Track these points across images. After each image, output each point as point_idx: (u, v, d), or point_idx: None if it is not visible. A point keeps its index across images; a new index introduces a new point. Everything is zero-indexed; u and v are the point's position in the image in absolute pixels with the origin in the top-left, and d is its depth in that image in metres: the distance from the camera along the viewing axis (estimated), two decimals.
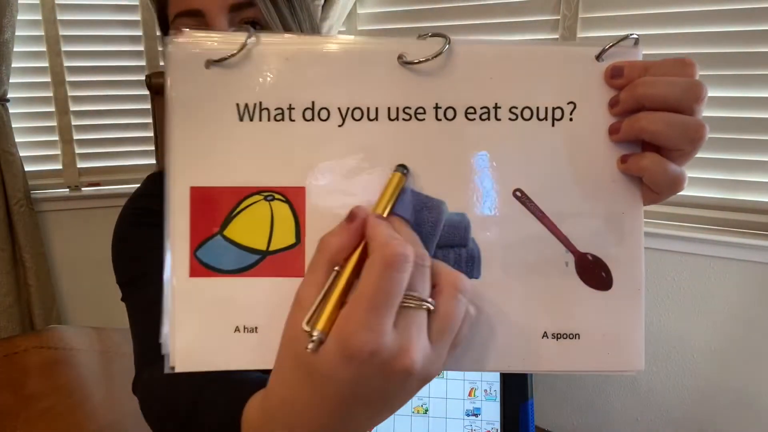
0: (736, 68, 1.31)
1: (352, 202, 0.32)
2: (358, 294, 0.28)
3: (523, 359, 0.32)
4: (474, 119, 0.33)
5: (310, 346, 0.28)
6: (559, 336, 0.33)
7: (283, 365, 0.31)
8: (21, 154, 1.74)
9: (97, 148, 1.89)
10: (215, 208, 0.33)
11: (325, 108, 0.33)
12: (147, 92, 1.28)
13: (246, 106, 0.33)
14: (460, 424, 0.49)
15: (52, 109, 1.82)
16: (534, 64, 0.33)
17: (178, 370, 0.33)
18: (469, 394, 0.50)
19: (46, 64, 1.79)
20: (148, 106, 1.30)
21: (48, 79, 1.80)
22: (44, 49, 1.78)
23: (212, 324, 0.33)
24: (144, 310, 0.61)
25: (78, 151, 1.87)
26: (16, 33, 1.66)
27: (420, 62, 0.33)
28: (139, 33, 1.86)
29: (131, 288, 0.63)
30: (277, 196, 0.33)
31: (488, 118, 0.33)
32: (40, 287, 1.78)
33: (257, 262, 0.33)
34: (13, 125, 1.71)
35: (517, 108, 0.33)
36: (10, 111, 1.71)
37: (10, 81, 1.69)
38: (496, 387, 0.50)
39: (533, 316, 0.33)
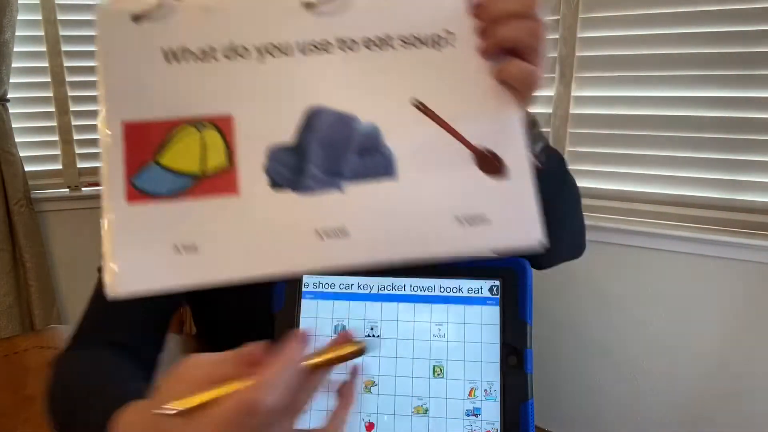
0: (736, 68, 1.31)
1: (277, 127, 0.37)
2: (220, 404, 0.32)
3: (441, 244, 0.37)
4: (373, 48, 0.38)
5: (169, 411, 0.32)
6: (469, 220, 0.37)
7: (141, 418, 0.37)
8: (21, 154, 1.74)
9: (97, 148, 1.88)
10: (148, 139, 0.37)
11: (243, 46, 0.37)
12: None
13: (171, 50, 0.37)
14: (460, 424, 0.49)
15: (52, 109, 1.82)
16: (411, 2, 0.40)
17: (120, 292, 0.35)
18: (469, 394, 0.50)
19: (46, 64, 1.79)
20: None
21: (48, 79, 1.80)
22: (44, 49, 1.78)
23: (152, 246, 0.35)
24: (99, 297, 0.64)
25: (78, 151, 1.87)
26: (16, 33, 1.66)
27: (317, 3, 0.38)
28: None
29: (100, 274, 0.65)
30: (207, 125, 0.37)
31: (384, 47, 0.39)
32: (40, 287, 1.78)
33: (191, 184, 0.36)
34: (13, 125, 1.71)
35: (406, 37, 0.39)
36: (10, 111, 1.71)
37: (10, 81, 1.69)
38: (496, 387, 0.50)
39: (445, 205, 0.37)
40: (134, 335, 0.64)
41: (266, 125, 0.37)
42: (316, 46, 0.38)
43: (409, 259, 0.36)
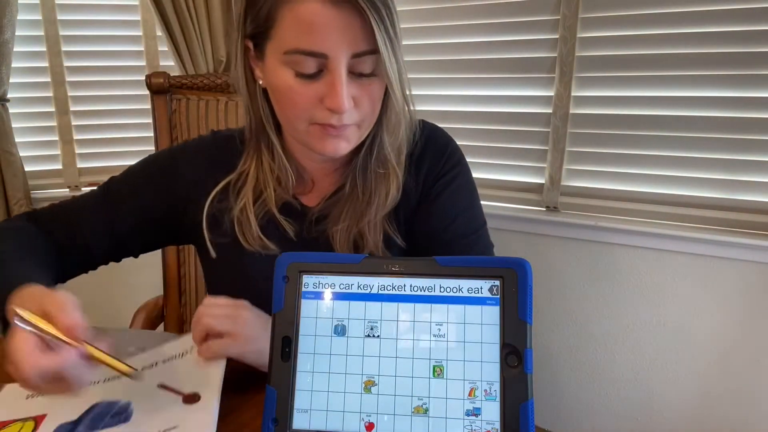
0: (736, 68, 1.32)
1: (69, 413, 0.62)
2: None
3: None
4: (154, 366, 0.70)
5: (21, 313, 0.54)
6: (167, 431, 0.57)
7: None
8: (21, 154, 1.74)
9: (97, 148, 1.89)
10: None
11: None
12: (147, 92, 1.28)
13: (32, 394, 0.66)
14: (460, 424, 0.49)
15: (52, 109, 1.82)
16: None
17: None
18: (469, 394, 0.50)
19: (46, 64, 1.79)
20: (148, 106, 1.30)
21: (48, 79, 1.80)
22: (44, 49, 1.78)
23: None
24: (91, 204, 0.83)
25: (78, 151, 1.87)
26: (16, 33, 1.66)
27: None
28: (139, 33, 1.86)
29: (107, 190, 0.85)
30: (29, 419, 0.62)
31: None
32: None
33: None
34: (13, 125, 1.71)
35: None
36: (10, 111, 1.71)
37: (10, 81, 1.69)
38: (496, 387, 0.50)
39: (153, 426, 0.58)
40: (84, 239, 0.81)
41: (63, 415, 0.61)
42: (114, 378, 0.66)
43: None
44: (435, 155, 0.81)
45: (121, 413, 0.61)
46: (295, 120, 0.70)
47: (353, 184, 0.78)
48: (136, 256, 0.87)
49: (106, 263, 0.85)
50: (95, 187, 0.86)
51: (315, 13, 0.61)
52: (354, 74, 0.66)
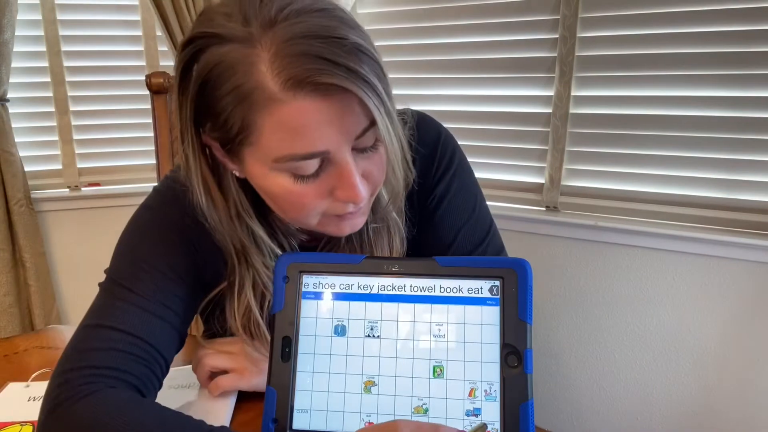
0: (736, 68, 1.31)
1: None
2: None
3: None
4: None
5: None
6: None
7: None
8: (21, 154, 1.74)
9: (97, 148, 1.89)
10: None
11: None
12: (147, 92, 1.28)
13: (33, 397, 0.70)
14: (460, 424, 0.49)
15: (52, 109, 1.82)
16: None
17: None
18: (469, 394, 0.50)
19: (46, 64, 1.79)
20: (148, 106, 1.30)
21: (48, 79, 1.80)
22: (44, 49, 1.78)
23: None
24: (116, 308, 0.61)
25: (78, 151, 1.87)
26: (16, 33, 1.66)
27: None
28: (139, 33, 1.85)
29: (114, 285, 0.64)
30: (27, 423, 0.64)
31: None
32: (40, 287, 1.78)
33: None
34: (13, 125, 1.71)
35: None
36: (10, 111, 1.71)
37: (10, 81, 1.69)
38: (496, 387, 0.50)
39: None
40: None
41: None
42: None
43: None
44: (426, 156, 0.73)
45: None
46: (303, 219, 0.60)
47: (348, 239, 0.69)
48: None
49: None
50: (98, 296, 0.67)
51: (304, 113, 0.50)
52: (358, 151, 0.56)
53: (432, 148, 0.73)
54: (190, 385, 0.72)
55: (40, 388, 0.65)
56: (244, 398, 0.67)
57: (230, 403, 0.67)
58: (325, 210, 0.58)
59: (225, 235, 0.63)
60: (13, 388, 0.71)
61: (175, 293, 0.64)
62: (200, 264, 0.67)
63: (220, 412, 0.65)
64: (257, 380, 0.68)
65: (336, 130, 0.52)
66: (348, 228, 0.61)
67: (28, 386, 0.72)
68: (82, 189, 1.88)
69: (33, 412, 0.65)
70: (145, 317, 0.61)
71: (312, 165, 0.54)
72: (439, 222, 0.73)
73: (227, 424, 0.62)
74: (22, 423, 0.64)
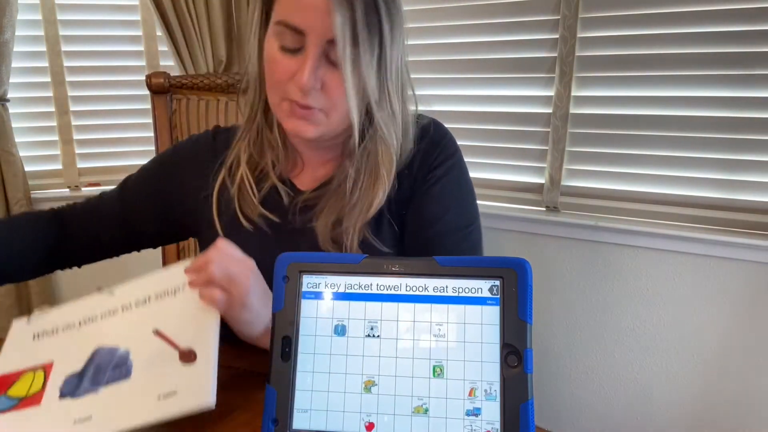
0: (736, 68, 1.32)
1: (74, 363, 0.64)
2: None
3: (147, 414, 0.55)
4: (139, 306, 0.67)
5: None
6: (166, 396, 0.56)
7: None
8: (21, 154, 1.74)
9: (97, 148, 1.89)
10: (8, 381, 0.64)
11: (70, 323, 0.70)
12: (147, 92, 1.28)
13: (37, 333, 0.69)
14: (460, 424, 0.49)
15: (52, 109, 1.82)
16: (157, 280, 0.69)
17: None
18: (469, 394, 0.50)
19: (46, 64, 1.79)
20: (148, 106, 1.30)
21: (48, 79, 1.80)
22: (44, 49, 1.78)
23: None
24: (107, 197, 0.88)
25: (78, 151, 1.87)
26: (16, 33, 1.66)
27: None
28: (139, 33, 1.86)
29: (122, 184, 0.89)
30: (39, 369, 0.65)
31: (144, 304, 0.67)
32: (40, 287, 1.78)
33: (18, 402, 0.62)
34: (13, 125, 1.71)
35: (158, 294, 0.67)
36: (10, 111, 1.71)
37: (10, 81, 1.69)
38: (496, 387, 0.50)
39: (153, 389, 0.57)
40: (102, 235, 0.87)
41: (69, 364, 0.64)
42: (111, 313, 0.67)
43: (130, 427, 0.55)
44: (429, 146, 0.80)
45: (121, 365, 0.62)
46: (271, 92, 0.72)
47: (341, 179, 0.77)
48: (140, 248, 0.92)
49: (117, 253, 0.90)
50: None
51: None
52: (330, 61, 0.67)
53: (439, 138, 0.81)
54: (179, 289, 0.65)
55: (42, 322, 0.70)
56: (244, 398, 0.67)
57: (215, 320, 0.61)
58: (285, 91, 0.69)
59: (257, 85, 0.77)
60: (17, 326, 0.71)
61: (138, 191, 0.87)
62: (177, 186, 0.85)
63: (207, 331, 0.61)
64: (239, 315, 0.63)
65: (317, 19, 0.64)
66: (293, 125, 0.71)
67: (29, 323, 0.71)
68: (82, 189, 1.88)
69: (41, 352, 0.66)
70: (110, 209, 0.87)
71: (293, 39, 0.67)
72: (430, 199, 0.79)
73: (215, 351, 0.58)
74: (34, 369, 0.65)
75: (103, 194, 0.90)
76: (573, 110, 1.51)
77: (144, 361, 0.61)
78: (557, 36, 1.49)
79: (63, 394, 0.61)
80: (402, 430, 0.50)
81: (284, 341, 0.53)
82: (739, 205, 1.36)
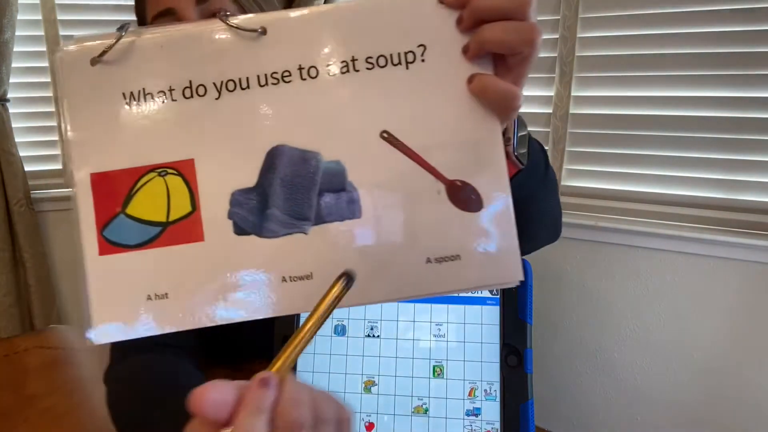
0: (736, 68, 1.31)
1: (239, 170, 0.36)
2: None
3: (413, 285, 0.35)
4: (335, 74, 0.36)
5: None
6: (441, 260, 0.35)
7: None
8: (21, 154, 1.74)
9: None
10: (115, 189, 0.36)
11: (201, 85, 0.36)
12: None
13: (131, 93, 0.36)
14: (460, 424, 0.49)
15: (52, 109, 1.82)
16: (380, 15, 0.36)
17: (100, 341, 0.36)
18: (469, 394, 0.50)
19: (46, 64, 1.79)
20: None
21: (48, 79, 1.80)
22: (44, 49, 1.78)
23: (126, 296, 0.36)
24: None
25: None
26: (16, 33, 1.66)
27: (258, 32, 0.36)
28: None
29: None
30: (170, 171, 0.36)
31: (348, 71, 0.36)
32: (40, 287, 1.78)
33: (159, 233, 0.36)
34: (13, 125, 1.71)
35: (372, 58, 0.36)
36: (10, 111, 1.71)
37: (10, 81, 1.69)
38: (496, 387, 0.50)
39: (415, 244, 0.35)
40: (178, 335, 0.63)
41: (229, 168, 0.36)
42: (275, 77, 0.36)
43: (380, 301, 0.36)
44: None
45: (339, 190, 0.36)
46: None
47: None
48: None
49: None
50: None
51: None
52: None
53: None
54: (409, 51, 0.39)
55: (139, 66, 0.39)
56: None
57: None
58: None
59: None
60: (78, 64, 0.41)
61: None
62: None
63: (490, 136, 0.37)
64: None
65: None
66: None
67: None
68: None
69: (159, 135, 0.36)
70: None
71: (167, 24, 0.64)
72: None
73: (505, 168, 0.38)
74: (159, 170, 0.37)
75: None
76: (573, 110, 1.50)
77: (378, 188, 0.36)
78: (557, 36, 1.49)
79: (240, 228, 0.36)
80: (402, 430, 0.50)
81: (284, 341, 0.53)
82: (739, 205, 1.36)
